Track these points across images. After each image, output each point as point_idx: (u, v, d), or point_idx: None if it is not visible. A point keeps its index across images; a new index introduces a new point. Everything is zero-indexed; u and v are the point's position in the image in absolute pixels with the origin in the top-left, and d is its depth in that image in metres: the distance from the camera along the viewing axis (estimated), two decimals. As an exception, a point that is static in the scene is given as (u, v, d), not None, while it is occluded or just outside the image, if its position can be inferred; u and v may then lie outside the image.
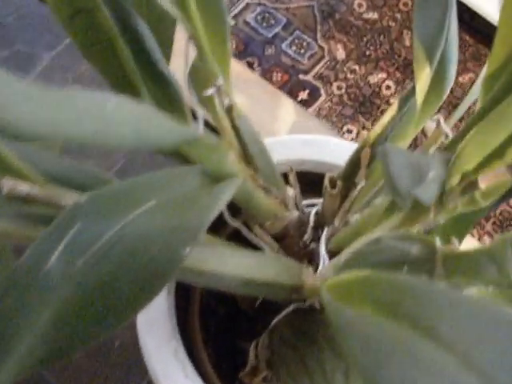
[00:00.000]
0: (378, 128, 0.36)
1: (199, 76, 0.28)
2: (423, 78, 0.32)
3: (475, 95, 0.33)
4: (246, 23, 0.90)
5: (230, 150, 0.27)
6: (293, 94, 0.85)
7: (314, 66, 0.89)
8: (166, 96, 0.33)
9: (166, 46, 0.30)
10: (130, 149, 0.18)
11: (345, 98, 0.87)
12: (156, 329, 0.36)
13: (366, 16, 0.93)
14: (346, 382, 0.27)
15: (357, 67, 0.89)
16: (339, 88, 0.87)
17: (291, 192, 0.42)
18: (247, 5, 0.91)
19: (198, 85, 0.29)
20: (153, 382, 0.36)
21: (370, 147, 0.38)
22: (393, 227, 0.31)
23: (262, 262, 0.29)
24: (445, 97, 0.34)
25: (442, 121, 0.32)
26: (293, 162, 0.42)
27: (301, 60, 0.89)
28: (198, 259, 0.26)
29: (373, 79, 0.88)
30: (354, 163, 0.38)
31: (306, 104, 0.85)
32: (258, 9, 0.91)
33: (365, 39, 0.91)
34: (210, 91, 0.26)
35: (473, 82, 0.88)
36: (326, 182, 0.38)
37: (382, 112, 0.85)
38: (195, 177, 0.26)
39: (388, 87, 0.87)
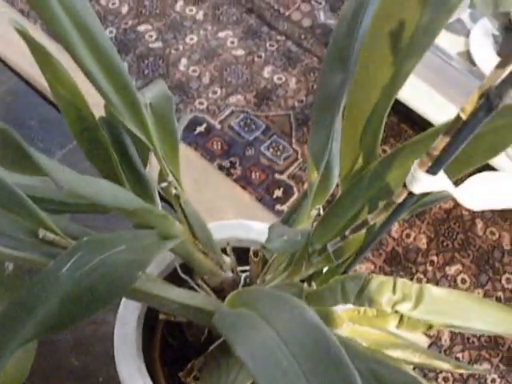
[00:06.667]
0: (284, 217, 0.53)
1: (161, 175, 0.46)
2: (312, 180, 0.49)
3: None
4: (231, 127, 1.03)
5: (177, 221, 0.44)
6: (269, 192, 0.96)
7: (288, 167, 0.99)
8: (141, 187, 0.49)
9: (144, 155, 0.48)
10: (111, 208, 0.35)
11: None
12: (127, 351, 0.50)
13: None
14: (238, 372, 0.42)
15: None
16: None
17: (228, 260, 0.57)
18: (232, 112, 1.04)
19: (160, 180, 0.46)
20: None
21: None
22: (284, 278, 0.47)
23: (193, 296, 0.44)
24: (329, 195, 0.51)
25: (321, 210, 0.48)
26: (232, 238, 0.58)
27: (277, 161, 0.99)
28: (151, 287, 0.41)
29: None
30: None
31: (280, 201, 0.95)
32: (242, 115, 1.04)
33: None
34: (163, 184, 0.43)
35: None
36: (251, 252, 0.54)
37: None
38: (152, 236, 0.42)
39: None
